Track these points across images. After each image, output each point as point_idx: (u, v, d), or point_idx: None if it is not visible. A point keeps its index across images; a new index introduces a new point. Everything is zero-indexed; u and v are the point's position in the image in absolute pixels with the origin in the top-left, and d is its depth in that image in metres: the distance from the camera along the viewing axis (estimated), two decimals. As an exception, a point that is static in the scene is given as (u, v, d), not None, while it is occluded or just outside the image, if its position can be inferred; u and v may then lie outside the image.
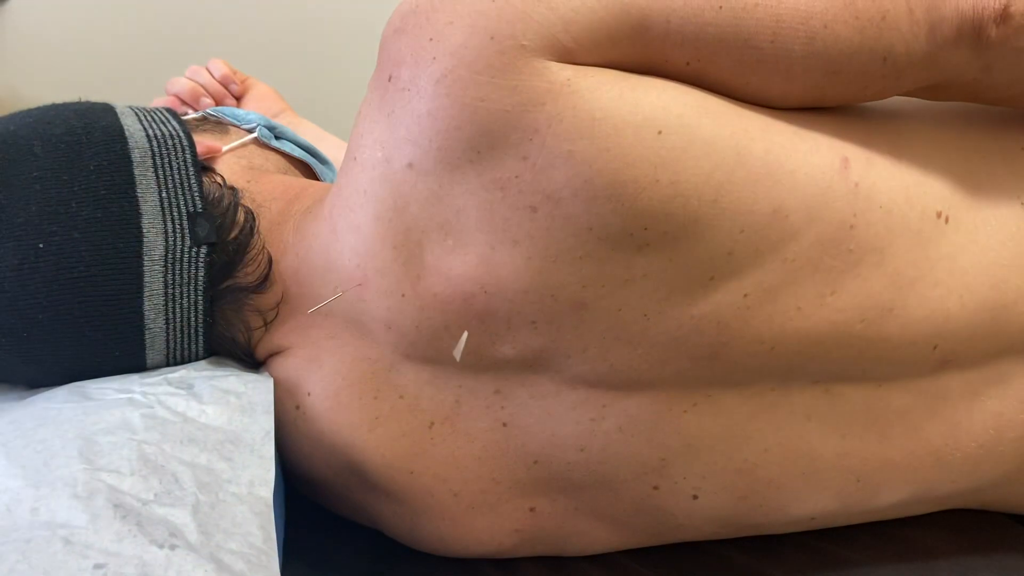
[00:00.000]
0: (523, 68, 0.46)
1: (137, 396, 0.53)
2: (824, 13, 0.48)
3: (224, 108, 0.71)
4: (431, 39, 0.48)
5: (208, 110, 0.70)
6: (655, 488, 0.55)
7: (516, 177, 0.47)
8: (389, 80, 0.50)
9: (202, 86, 0.89)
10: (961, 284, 0.53)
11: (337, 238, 0.53)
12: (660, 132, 0.47)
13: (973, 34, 0.50)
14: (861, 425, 0.55)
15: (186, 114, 0.71)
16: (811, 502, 0.57)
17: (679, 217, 0.47)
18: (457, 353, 0.51)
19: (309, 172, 0.72)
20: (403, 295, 0.51)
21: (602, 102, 0.46)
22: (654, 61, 0.48)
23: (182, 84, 0.89)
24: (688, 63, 0.48)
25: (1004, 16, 0.49)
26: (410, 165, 0.49)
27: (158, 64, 1.12)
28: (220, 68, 0.90)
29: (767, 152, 0.49)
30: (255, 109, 0.89)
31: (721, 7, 0.47)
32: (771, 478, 0.55)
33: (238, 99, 0.91)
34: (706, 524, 0.57)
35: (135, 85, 1.12)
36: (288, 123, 0.87)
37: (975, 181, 0.54)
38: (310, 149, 0.72)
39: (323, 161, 0.72)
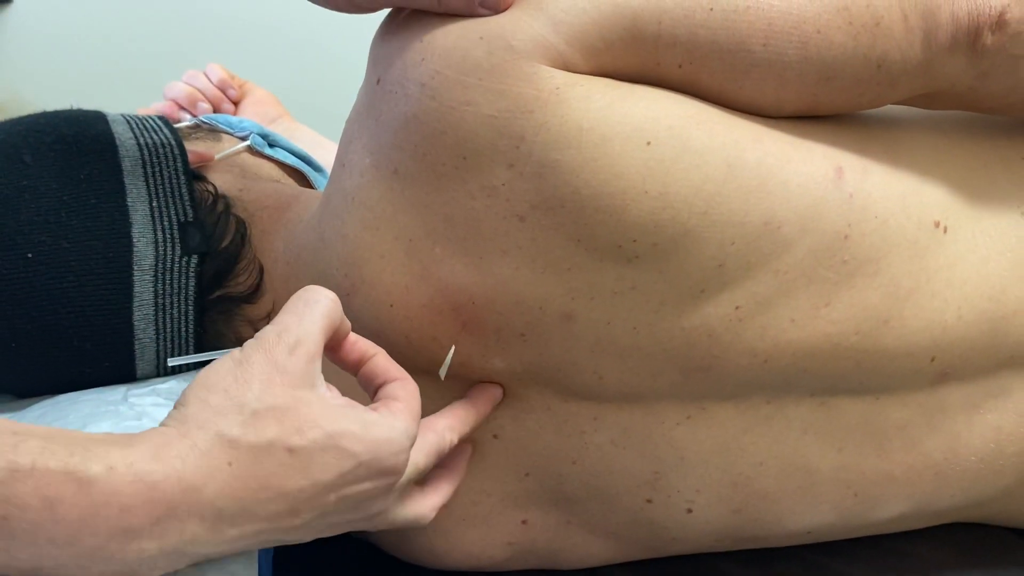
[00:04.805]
0: (511, 71, 0.45)
1: (124, 407, 0.52)
2: (817, 18, 0.47)
3: (218, 115, 0.71)
4: (421, 40, 0.47)
5: (201, 117, 0.70)
6: (648, 501, 0.55)
7: (503, 185, 0.46)
8: (377, 83, 0.49)
9: (199, 91, 0.89)
10: (959, 295, 0.52)
11: (326, 247, 0.52)
12: (649, 143, 0.46)
13: (968, 41, 0.49)
14: (859, 439, 0.54)
15: (181, 120, 0.71)
16: (808, 516, 0.56)
17: (668, 229, 0.47)
18: (442, 372, 0.50)
19: (303, 180, 0.72)
20: (391, 305, 0.50)
21: (591, 112, 0.46)
22: (647, 65, 0.48)
23: (179, 89, 0.89)
24: (680, 65, 0.48)
25: (1000, 23, 0.48)
26: (396, 172, 0.48)
27: (158, 68, 1.12)
28: (218, 73, 0.90)
29: (759, 163, 0.48)
30: (253, 114, 0.89)
31: (712, 9, 0.47)
32: (767, 491, 0.54)
33: (236, 104, 0.91)
34: (701, 537, 0.57)
35: (135, 89, 1.12)
36: (285, 129, 0.87)
37: (974, 190, 0.53)
38: (304, 157, 0.71)
39: (317, 169, 0.72)
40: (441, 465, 0.50)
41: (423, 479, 0.49)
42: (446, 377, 0.51)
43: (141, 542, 0.38)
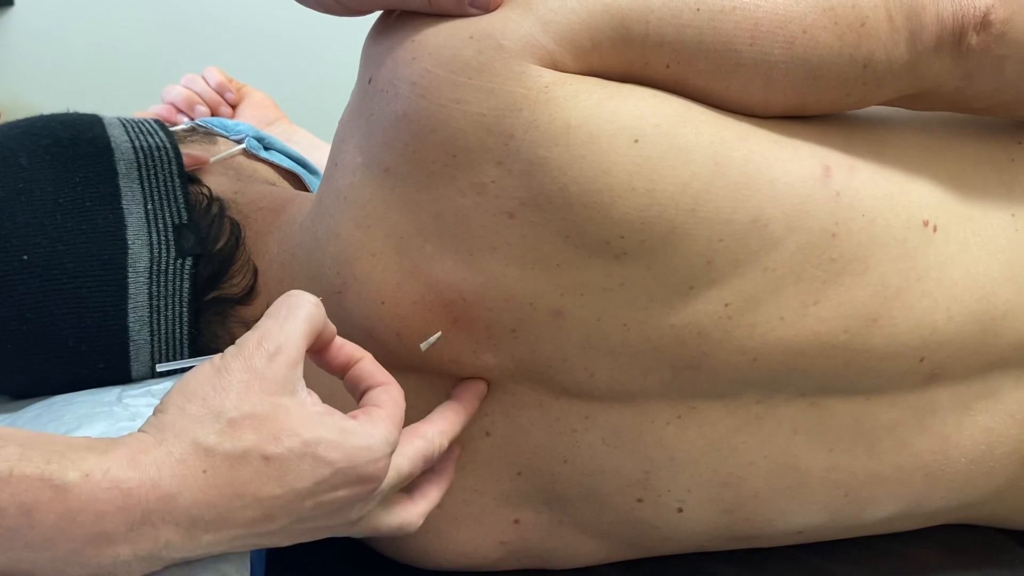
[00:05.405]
0: (500, 70, 0.46)
1: (119, 408, 0.52)
2: (803, 18, 0.48)
3: (213, 119, 0.71)
4: (412, 40, 0.48)
5: (198, 120, 0.70)
6: (639, 501, 0.55)
7: (493, 182, 0.47)
8: (369, 83, 0.50)
9: (197, 94, 0.89)
10: (949, 296, 0.52)
11: (319, 246, 0.52)
12: (636, 141, 0.46)
13: (953, 42, 0.49)
14: (849, 439, 0.54)
15: (178, 123, 0.71)
16: (798, 516, 0.56)
17: (656, 226, 0.47)
18: (424, 345, 0.50)
19: (299, 183, 0.72)
20: (383, 303, 0.50)
21: (579, 110, 0.46)
22: (635, 64, 0.48)
23: (177, 92, 0.89)
24: (668, 65, 0.48)
25: (984, 23, 0.49)
26: (387, 170, 0.48)
27: (157, 71, 1.13)
28: (215, 76, 0.91)
29: (747, 161, 0.48)
30: (250, 117, 0.89)
31: (699, 9, 0.47)
32: (757, 491, 0.55)
33: (233, 107, 0.91)
34: (692, 537, 0.57)
35: (134, 92, 1.13)
36: (283, 131, 0.88)
37: (965, 191, 0.54)
38: (299, 159, 0.72)
39: (313, 171, 0.72)
40: (429, 469, 0.50)
41: (410, 485, 0.49)
42: (438, 374, 0.52)
43: (116, 547, 0.39)
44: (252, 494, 0.40)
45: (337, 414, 0.43)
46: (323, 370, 0.48)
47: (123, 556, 0.39)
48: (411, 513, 0.48)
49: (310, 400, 0.43)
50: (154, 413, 0.42)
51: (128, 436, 0.41)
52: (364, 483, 0.43)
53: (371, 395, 0.46)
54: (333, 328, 0.46)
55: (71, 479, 0.38)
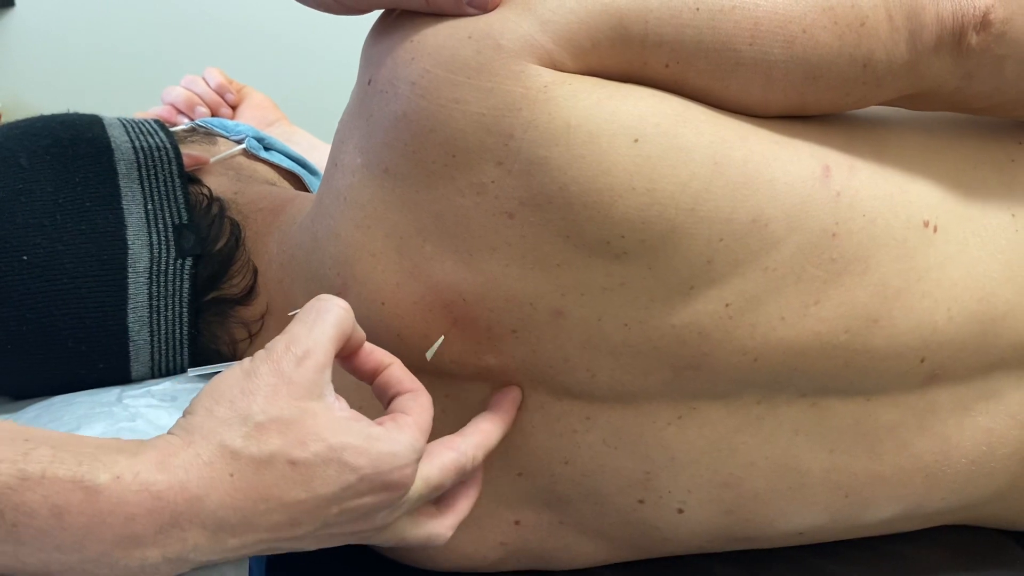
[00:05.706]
0: (499, 69, 0.46)
1: (119, 409, 0.53)
2: (802, 18, 0.48)
3: (213, 119, 0.71)
4: (411, 40, 0.48)
5: (198, 121, 0.70)
6: (640, 502, 0.55)
7: (492, 182, 0.47)
8: (368, 83, 0.50)
9: (197, 95, 0.89)
10: (949, 296, 0.52)
11: (318, 246, 0.53)
12: (636, 140, 0.46)
13: (953, 41, 0.49)
14: (850, 440, 0.54)
15: (178, 124, 0.71)
16: (799, 517, 0.56)
17: (656, 225, 0.47)
18: (429, 354, 0.50)
19: (299, 183, 0.72)
20: (383, 303, 0.50)
21: (578, 109, 0.46)
22: (634, 64, 0.48)
23: (178, 93, 0.89)
24: (667, 65, 0.48)
25: (984, 23, 0.49)
26: (387, 170, 0.48)
27: (158, 72, 1.13)
28: (216, 77, 0.91)
29: (746, 161, 0.48)
30: (250, 118, 0.89)
31: (698, 8, 0.47)
32: (757, 492, 0.54)
33: (233, 108, 0.92)
34: (693, 538, 0.57)
35: (135, 92, 1.13)
36: (283, 132, 0.88)
37: (965, 191, 0.53)
38: (299, 160, 0.72)
39: (313, 172, 0.72)
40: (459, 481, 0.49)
41: (439, 497, 0.48)
42: (440, 375, 0.51)
43: (145, 550, 0.39)
44: (277, 498, 0.40)
45: (364, 420, 0.43)
46: (352, 376, 0.48)
47: (151, 559, 0.39)
48: (440, 526, 0.48)
49: (338, 405, 0.42)
50: (184, 415, 0.42)
51: (157, 438, 0.41)
52: (390, 490, 0.43)
53: (399, 401, 0.46)
54: (362, 333, 0.46)
55: (102, 481, 0.38)
